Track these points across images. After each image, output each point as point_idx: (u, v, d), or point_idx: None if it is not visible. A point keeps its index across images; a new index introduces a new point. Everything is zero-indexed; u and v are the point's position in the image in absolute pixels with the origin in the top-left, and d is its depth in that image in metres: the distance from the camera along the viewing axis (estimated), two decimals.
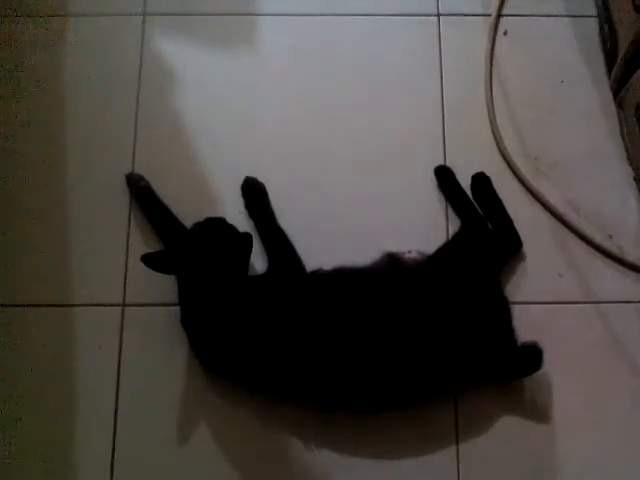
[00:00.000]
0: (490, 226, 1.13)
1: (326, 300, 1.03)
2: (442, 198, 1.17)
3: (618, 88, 1.21)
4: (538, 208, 1.17)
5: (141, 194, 1.15)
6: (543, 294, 1.11)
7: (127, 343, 1.09)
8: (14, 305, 1.12)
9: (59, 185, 1.18)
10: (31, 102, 1.24)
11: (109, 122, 1.22)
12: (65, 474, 1.04)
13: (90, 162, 1.19)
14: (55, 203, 1.17)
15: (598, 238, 1.14)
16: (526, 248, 1.13)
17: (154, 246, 1.12)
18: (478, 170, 1.17)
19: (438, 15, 1.29)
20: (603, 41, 1.26)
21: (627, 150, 1.19)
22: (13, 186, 1.19)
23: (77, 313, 1.11)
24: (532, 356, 1.02)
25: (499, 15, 1.29)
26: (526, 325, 1.04)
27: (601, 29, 1.27)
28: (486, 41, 1.27)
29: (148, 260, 1.00)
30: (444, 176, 1.17)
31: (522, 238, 1.12)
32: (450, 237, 1.13)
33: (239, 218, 1.13)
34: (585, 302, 1.11)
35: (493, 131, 1.21)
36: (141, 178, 1.16)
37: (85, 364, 1.08)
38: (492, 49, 1.27)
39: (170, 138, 1.21)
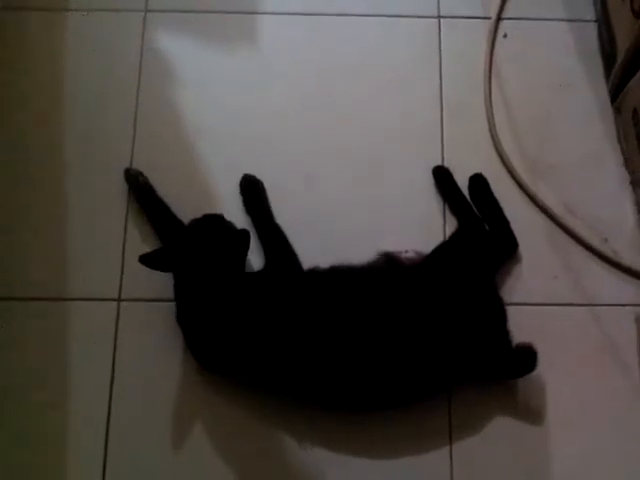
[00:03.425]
0: (487, 227, 1.13)
1: (322, 298, 1.03)
2: (439, 198, 1.17)
3: (616, 92, 1.21)
4: (534, 210, 1.17)
5: (139, 190, 1.15)
6: (538, 296, 1.12)
7: (122, 338, 1.09)
8: (9, 299, 1.11)
9: (58, 180, 1.18)
10: (30, 98, 1.24)
11: (108, 118, 1.22)
12: (57, 470, 1.03)
13: (89, 157, 1.19)
14: (53, 198, 1.17)
15: (594, 241, 1.14)
16: (522, 249, 1.13)
17: (151, 241, 1.12)
18: (476, 171, 1.17)
19: (439, 17, 1.30)
20: (602, 45, 1.27)
21: (624, 154, 1.20)
22: (11, 181, 1.18)
23: (72, 307, 1.10)
24: (526, 357, 1.02)
25: (499, 18, 1.30)
26: (521, 326, 1.04)
27: (600, 33, 1.27)
28: (486, 44, 1.28)
29: (146, 260, 1.00)
30: (442, 176, 1.18)
31: (518, 240, 1.13)
32: (447, 237, 1.13)
33: (237, 215, 1.13)
34: (580, 304, 1.12)
35: (491, 133, 1.22)
36: (140, 174, 1.15)
37: (79, 358, 1.08)
38: (491, 52, 1.27)
39: (169, 135, 1.21)
